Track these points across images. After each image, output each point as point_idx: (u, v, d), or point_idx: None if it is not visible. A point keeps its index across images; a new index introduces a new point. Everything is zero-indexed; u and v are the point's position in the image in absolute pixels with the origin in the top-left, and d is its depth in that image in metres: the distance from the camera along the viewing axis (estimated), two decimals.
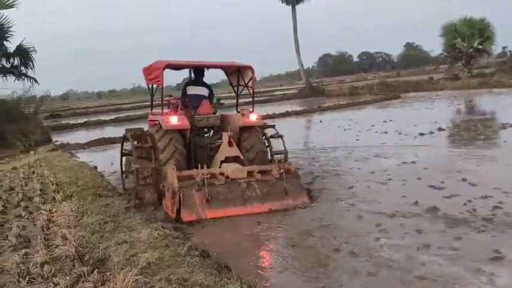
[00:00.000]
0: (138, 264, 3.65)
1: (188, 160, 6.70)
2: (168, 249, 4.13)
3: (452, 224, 4.79)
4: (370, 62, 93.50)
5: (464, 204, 5.37)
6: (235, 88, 8.02)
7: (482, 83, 26.41)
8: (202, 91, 7.57)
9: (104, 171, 9.23)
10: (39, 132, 16.57)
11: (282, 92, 40.93)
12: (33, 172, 9.73)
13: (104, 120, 24.93)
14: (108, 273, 3.60)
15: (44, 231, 5.08)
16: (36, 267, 3.92)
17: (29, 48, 17.78)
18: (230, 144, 6.59)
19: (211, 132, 7.50)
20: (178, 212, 5.75)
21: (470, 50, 29.32)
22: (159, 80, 6.89)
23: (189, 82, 7.82)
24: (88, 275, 3.59)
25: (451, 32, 29.80)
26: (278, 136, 7.48)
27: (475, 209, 5.19)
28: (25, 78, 17.93)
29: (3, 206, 6.61)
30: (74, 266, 3.92)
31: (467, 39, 29.01)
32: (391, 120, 14.39)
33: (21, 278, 3.70)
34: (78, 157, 12.12)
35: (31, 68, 17.96)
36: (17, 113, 16.73)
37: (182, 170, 6.22)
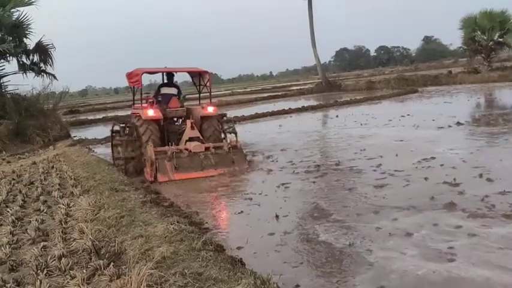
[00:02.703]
0: (153, 258, 3.67)
1: (162, 141, 9.03)
2: (183, 243, 4.14)
3: (470, 219, 4.73)
4: (388, 56, 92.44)
5: (482, 200, 5.28)
6: (198, 87, 10.31)
7: (503, 77, 25.79)
8: (172, 90, 9.95)
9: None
10: (58, 128, 16.83)
11: (298, 87, 40.76)
12: (52, 167, 9.89)
13: (121, 116, 25.13)
14: (123, 267, 3.65)
15: (61, 225, 5.17)
16: (54, 260, 3.99)
17: (48, 45, 18.06)
18: (192, 128, 8.94)
19: (180, 120, 9.80)
20: (155, 176, 8.20)
21: (491, 43, 28.70)
22: (139, 83, 9.28)
23: (162, 84, 10.12)
24: (104, 269, 3.64)
25: (471, 25, 29.15)
26: (229, 121, 10.11)
27: (493, 204, 5.09)
28: (44, 74, 18.21)
29: (22, 200, 6.75)
30: (90, 259, 3.97)
31: (488, 32, 28.40)
32: (408, 115, 14.19)
33: (39, 271, 3.77)
34: (96, 152, 12.29)
35: (50, 65, 18.25)
36: (37, 109, 16.99)
37: (157, 147, 8.51)
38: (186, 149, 8.54)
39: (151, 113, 8.86)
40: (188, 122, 9.00)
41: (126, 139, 9.20)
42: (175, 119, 9.81)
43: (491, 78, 26.18)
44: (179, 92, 10.05)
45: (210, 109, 9.49)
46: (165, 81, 10.17)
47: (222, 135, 9.78)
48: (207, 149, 8.66)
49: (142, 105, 9.32)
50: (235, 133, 9.63)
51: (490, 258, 3.78)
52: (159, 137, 8.94)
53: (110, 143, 10.53)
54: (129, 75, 9.71)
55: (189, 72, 10.46)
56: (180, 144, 8.82)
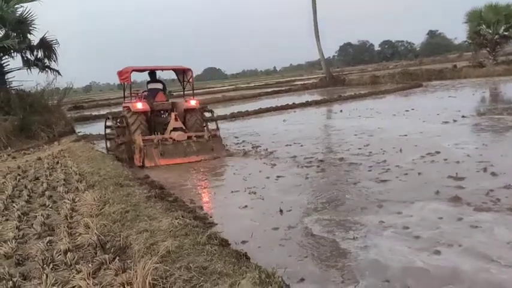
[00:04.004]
0: (158, 253, 3.69)
1: (150, 131, 10.05)
2: (187, 237, 4.15)
3: (475, 213, 4.71)
4: (392, 50, 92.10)
5: (487, 194, 5.27)
6: (182, 83, 11.37)
7: (508, 70, 25.65)
8: (158, 86, 11.15)
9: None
10: (63, 124, 16.86)
11: (302, 82, 40.67)
12: (57, 162, 9.94)
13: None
14: (129, 261, 3.67)
15: (67, 219, 5.20)
16: (60, 254, 4.02)
17: (52, 41, 18.08)
18: (176, 119, 10.06)
19: (166, 113, 10.78)
20: (143, 161, 9.31)
21: (496, 36, 28.52)
22: (128, 80, 10.58)
23: (150, 80, 11.30)
24: (109, 263, 3.67)
25: (476, 18, 28.96)
26: (210, 111, 11.32)
27: (498, 198, 5.08)
28: (48, 70, 18.25)
29: (28, 195, 6.79)
30: (96, 253, 4.00)
31: (493, 26, 28.21)
32: (413, 109, 14.15)
33: (45, 265, 3.80)
34: (101, 147, 12.31)
35: (54, 61, 18.28)
36: (41, 105, 17.01)
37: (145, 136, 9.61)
38: (171, 138, 9.63)
39: (139, 105, 10.03)
40: (172, 114, 10.14)
41: (118, 129, 10.38)
42: (161, 111, 10.82)
43: (497, 72, 26.05)
44: (164, 87, 11.27)
45: (193, 102, 10.68)
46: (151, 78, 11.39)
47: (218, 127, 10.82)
48: (189, 137, 9.77)
49: (132, 99, 10.72)
50: (217, 124, 10.96)
51: (496, 253, 3.77)
52: (146, 127, 10.03)
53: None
54: (120, 73, 10.91)
55: (174, 70, 11.49)
56: (165, 133, 9.89)
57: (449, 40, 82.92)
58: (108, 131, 11.57)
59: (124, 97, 11.42)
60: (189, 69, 11.07)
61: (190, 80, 11.05)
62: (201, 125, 10.61)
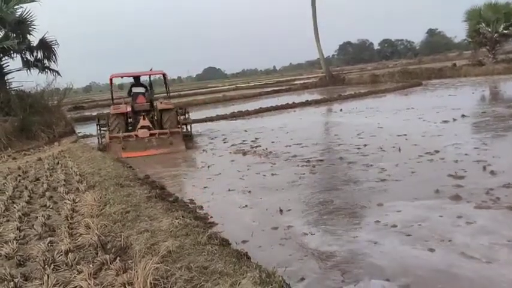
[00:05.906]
0: (159, 253, 3.70)
1: (133, 129, 11.74)
2: (188, 237, 4.17)
3: (475, 212, 4.72)
4: (392, 49, 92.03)
5: (487, 193, 5.28)
6: (167, 86, 13.54)
7: (508, 69, 25.60)
8: (140, 89, 12.75)
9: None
10: (63, 124, 16.87)
11: (302, 81, 40.65)
12: (58, 163, 9.95)
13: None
14: (129, 261, 3.68)
15: (68, 220, 5.21)
16: (61, 255, 4.03)
17: (52, 41, 18.07)
18: (144, 119, 11.67)
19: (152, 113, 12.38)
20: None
21: (495, 35, 28.49)
22: (110, 84, 13.05)
23: (133, 84, 12.92)
24: (110, 263, 3.68)
25: (476, 17, 28.91)
26: (186, 112, 13.17)
27: (498, 197, 5.09)
28: (48, 71, 18.24)
29: (29, 196, 6.80)
30: (96, 254, 4.01)
31: (492, 24, 28.18)
32: (412, 108, 14.16)
33: (46, 266, 3.81)
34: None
35: (54, 61, 18.27)
36: (41, 105, 16.99)
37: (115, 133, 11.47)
38: (135, 135, 11.24)
39: (118, 108, 11.92)
40: (142, 116, 11.79)
41: (105, 128, 12.29)
42: (141, 112, 12.18)
43: (496, 70, 26.01)
44: (146, 90, 12.82)
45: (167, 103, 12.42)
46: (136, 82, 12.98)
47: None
48: (152, 134, 11.23)
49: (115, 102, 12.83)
50: (190, 123, 13.03)
51: (496, 251, 3.78)
52: (124, 125, 11.90)
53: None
54: (110, 80, 12.95)
55: (152, 75, 13.73)
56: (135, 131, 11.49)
57: (449, 39, 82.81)
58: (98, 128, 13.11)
59: (111, 99, 13.21)
60: (164, 74, 13.16)
61: (167, 82, 13.35)
62: (175, 121, 12.06)
